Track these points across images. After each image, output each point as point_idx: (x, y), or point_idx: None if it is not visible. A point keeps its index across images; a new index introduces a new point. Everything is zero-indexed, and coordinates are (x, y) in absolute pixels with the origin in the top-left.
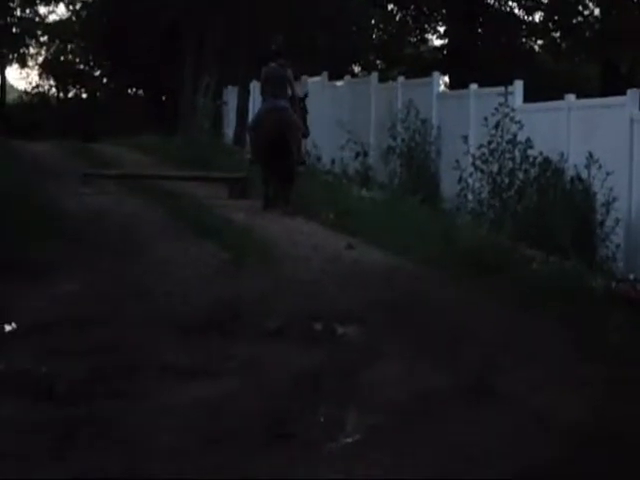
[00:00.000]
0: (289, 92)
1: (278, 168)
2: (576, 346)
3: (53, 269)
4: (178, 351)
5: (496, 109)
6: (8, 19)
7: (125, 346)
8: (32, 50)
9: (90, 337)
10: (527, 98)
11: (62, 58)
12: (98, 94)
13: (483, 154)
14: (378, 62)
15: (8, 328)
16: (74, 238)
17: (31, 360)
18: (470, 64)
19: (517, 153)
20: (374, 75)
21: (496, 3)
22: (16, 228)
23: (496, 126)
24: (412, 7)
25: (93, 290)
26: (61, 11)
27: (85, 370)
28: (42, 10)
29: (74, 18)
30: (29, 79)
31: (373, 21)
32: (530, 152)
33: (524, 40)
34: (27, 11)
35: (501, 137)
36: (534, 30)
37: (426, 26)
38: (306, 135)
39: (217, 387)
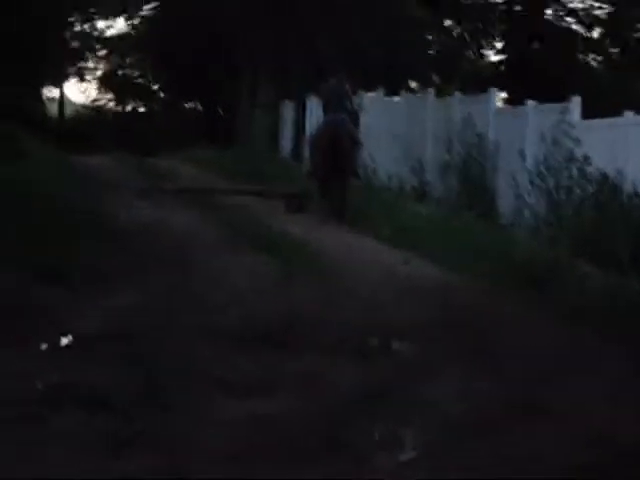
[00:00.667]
0: (348, 106)
1: (334, 181)
2: (634, 365)
3: (108, 281)
4: (233, 365)
5: (554, 125)
6: (67, 34)
7: (179, 359)
8: (90, 64)
9: (144, 350)
10: (585, 114)
11: (120, 72)
12: (155, 108)
13: (540, 170)
14: (435, 77)
15: (64, 340)
16: (130, 250)
17: (86, 372)
18: (528, 80)
19: (574, 170)
20: (431, 90)
21: (554, 19)
22: (73, 239)
23: (554, 142)
24: (470, 23)
25: (147, 302)
26: (120, 25)
27: (139, 384)
28: (100, 24)
29: (133, 32)
30: (87, 93)
31: (430, 37)
32: (588, 169)
33: (582, 56)
34: (86, 26)
35: (558, 153)
36: (592, 46)
37: (484, 42)
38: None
39: (271, 402)
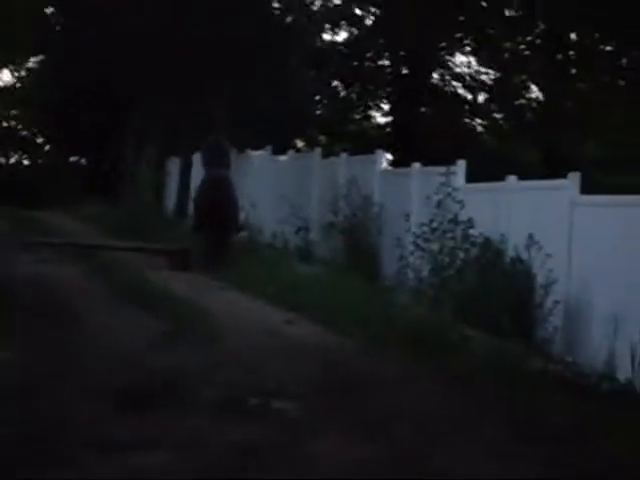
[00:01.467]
0: (226, 163)
1: (218, 235)
2: (512, 426)
3: None
4: (114, 423)
5: (438, 188)
6: None
7: (59, 418)
8: None
9: (23, 408)
10: (469, 178)
11: (5, 124)
12: (40, 161)
13: (424, 232)
14: (322, 137)
15: None
16: (11, 306)
17: None
18: (413, 142)
19: (458, 232)
20: (317, 150)
21: (440, 83)
22: None
23: (438, 205)
24: (357, 84)
25: (29, 359)
26: (6, 77)
27: (17, 442)
28: None
29: (18, 84)
30: None
31: (318, 97)
32: (471, 232)
33: (468, 120)
34: None
35: (443, 216)
36: (477, 111)
37: (370, 103)
38: None
39: (153, 459)
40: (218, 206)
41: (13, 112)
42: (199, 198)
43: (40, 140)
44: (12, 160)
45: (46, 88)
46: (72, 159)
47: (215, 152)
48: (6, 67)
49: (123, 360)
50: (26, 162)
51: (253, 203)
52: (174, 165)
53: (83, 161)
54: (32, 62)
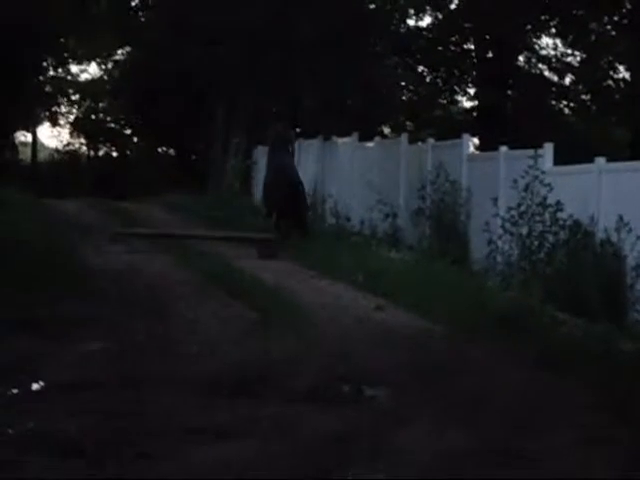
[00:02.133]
0: (290, 149)
1: (292, 219)
2: (606, 411)
3: (82, 327)
4: (206, 413)
5: (526, 172)
6: (41, 78)
7: (153, 407)
8: (64, 109)
9: (117, 397)
10: (557, 161)
11: (93, 117)
12: (128, 153)
13: (512, 216)
14: (408, 123)
15: (35, 386)
16: (104, 296)
17: (59, 420)
18: (500, 126)
19: (547, 216)
20: (404, 136)
21: (526, 65)
22: (47, 285)
23: (526, 189)
24: (442, 69)
25: (121, 349)
26: (93, 70)
27: (113, 431)
28: (74, 69)
29: (106, 77)
30: (60, 137)
31: (404, 83)
32: (560, 215)
33: (554, 102)
34: (59, 70)
35: (531, 199)
36: (564, 93)
37: (456, 88)
38: None
39: (243, 450)
40: (287, 192)
41: (101, 104)
42: (267, 186)
43: (128, 132)
44: (100, 152)
45: (132, 79)
46: (160, 150)
47: (278, 140)
48: (93, 60)
49: (215, 349)
50: (115, 154)
51: (341, 190)
52: (261, 154)
53: (171, 152)
54: (119, 54)
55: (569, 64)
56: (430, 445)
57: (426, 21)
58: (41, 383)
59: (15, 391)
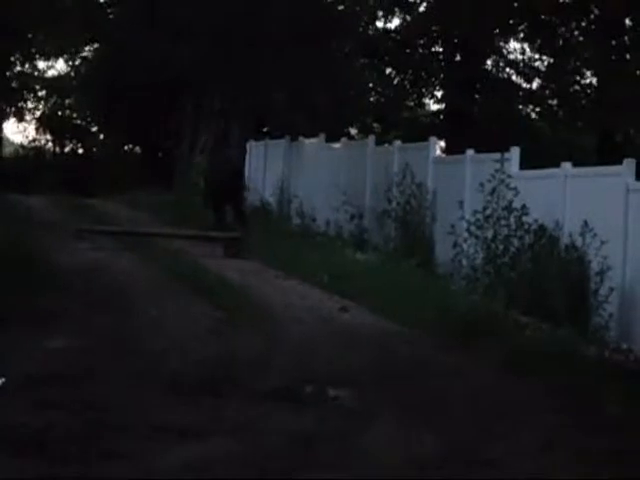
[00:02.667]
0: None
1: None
2: (569, 415)
3: (47, 323)
4: (170, 411)
5: (492, 175)
6: (7, 73)
7: (117, 404)
8: (30, 104)
9: (82, 393)
10: (523, 165)
11: (60, 113)
12: (95, 150)
13: (478, 220)
14: (375, 125)
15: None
16: (69, 293)
17: (21, 415)
18: (467, 129)
19: (512, 220)
20: (371, 138)
21: (494, 69)
22: (11, 281)
23: (492, 192)
24: (410, 71)
25: (86, 345)
26: (60, 66)
27: (76, 427)
28: (41, 65)
29: (73, 74)
30: (26, 133)
31: (371, 84)
32: (525, 219)
33: (521, 107)
34: (26, 65)
35: (496, 203)
36: (531, 97)
37: (424, 90)
38: None
39: (208, 448)
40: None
41: (68, 101)
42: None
43: (94, 129)
44: (66, 149)
45: (99, 76)
46: (126, 147)
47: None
48: (61, 56)
49: (180, 347)
50: (80, 151)
51: (307, 191)
52: None
53: (137, 149)
54: (87, 50)
55: (537, 69)
56: (392, 447)
57: (394, 23)
58: (4, 378)
59: None
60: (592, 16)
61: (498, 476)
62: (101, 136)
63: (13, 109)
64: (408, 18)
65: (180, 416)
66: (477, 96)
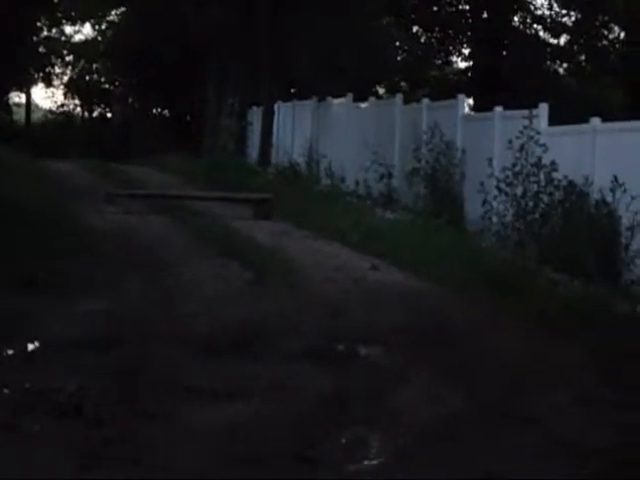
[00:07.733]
0: None
1: None
2: (601, 370)
3: (79, 287)
4: (202, 372)
5: (521, 132)
6: (34, 38)
7: (150, 367)
8: (57, 69)
9: (115, 357)
10: (552, 121)
11: (87, 78)
12: (124, 114)
13: (507, 177)
14: (403, 84)
15: (31, 346)
16: (99, 256)
17: (57, 379)
18: (495, 87)
19: (542, 176)
20: (399, 97)
21: (521, 26)
22: (42, 245)
23: (521, 149)
24: (437, 29)
25: (118, 309)
26: (87, 31)
27: (110, 390)
28: (68, 30)
29: (100, 38)
30: (54, 98)
31: (398, 42)
32: (555, 175)
33: (549, 63)
34: (53, 31)
35: (526, 160)
36: (559, 53)
37: (451, 48)
38: None
39: (240, 409)
40: None
41: (95, 65)
42: None
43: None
44: (94, 113)
45: (126, 40)
46: (154, 111)
47: None
48: (87, 21)
49: (212, 308)
50: (109, 115)
51: (336, 151)
52: (256, 114)
53: (166, 113)
54: (113, 15)
55: (564, 24)
56: (426, 404)
57: None
58: (39, 342)
59: (11, 351)
60: None
61: (537, 431)
62: (129, 100)
63: (41, 74)
64: None
65: (212, 377)
66: (505, 53)
